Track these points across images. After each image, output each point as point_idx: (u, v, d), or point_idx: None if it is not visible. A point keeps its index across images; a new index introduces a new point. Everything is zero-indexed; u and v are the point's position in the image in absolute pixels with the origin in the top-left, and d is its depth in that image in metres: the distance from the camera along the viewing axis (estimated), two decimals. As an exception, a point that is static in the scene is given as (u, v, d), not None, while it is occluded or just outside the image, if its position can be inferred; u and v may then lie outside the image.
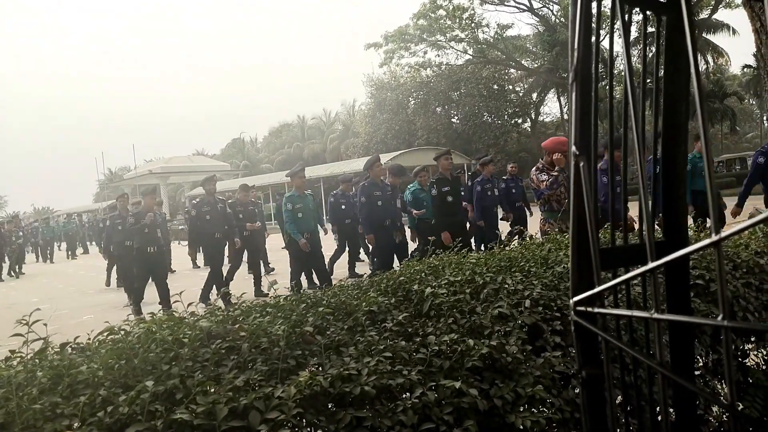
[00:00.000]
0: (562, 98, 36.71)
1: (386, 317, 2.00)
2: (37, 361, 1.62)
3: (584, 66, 0.75)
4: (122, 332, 1.75)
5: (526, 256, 2.63)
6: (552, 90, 37.53)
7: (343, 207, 9.24)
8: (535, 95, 38.89)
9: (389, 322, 1.94)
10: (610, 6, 0.75)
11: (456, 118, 37.56)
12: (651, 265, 0.60)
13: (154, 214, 8.05)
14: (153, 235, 7.91)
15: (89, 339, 1.81)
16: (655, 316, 0.60)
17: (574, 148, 0.75)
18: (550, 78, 34.85)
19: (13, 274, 17.24)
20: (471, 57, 35.50)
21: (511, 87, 38.66)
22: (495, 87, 36.33)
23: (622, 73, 0.71)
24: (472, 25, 33.04)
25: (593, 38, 0.75)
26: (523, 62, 36.86)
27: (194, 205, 8.61)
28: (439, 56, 35.71)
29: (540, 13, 34.62)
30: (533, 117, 39.83)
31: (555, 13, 34.33)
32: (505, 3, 33.08)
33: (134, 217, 7.88)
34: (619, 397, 0.90)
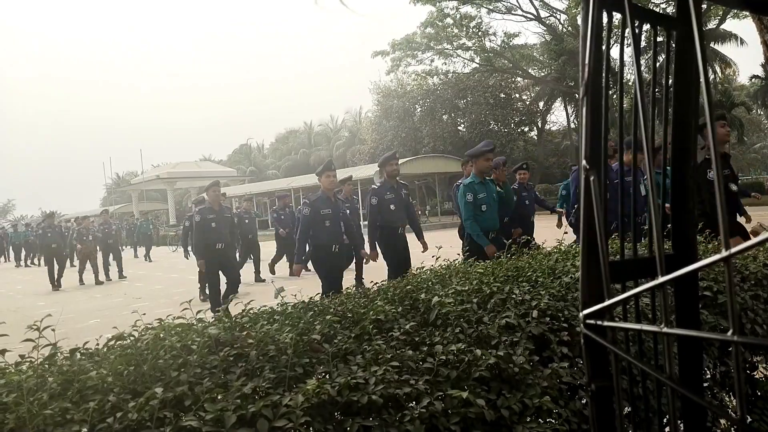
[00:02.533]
0: (569, 107, 36.69)
1: (393, 326, 2.00)
2: (47, 366, 1.63)
3: (595, 80, 0.76)
4: (131, 338, 1.76)
5: (533, 266, 2.63)
6: (559, 99, 37.51)
7: (526, 202, 7.24)
8: (541, 104, 38.89)
9: (396, 330, 1.94)
10: (620, 20, 0.76)
11: (462, 125, 37.60)
12: (661, 279, 0.60)
13: (339, 199, 6.37)
14: (336, 228, 5.92)
15: (98, 344, 1.82)
16: (665, 330, 0.61)
17: (584, 161, 0.75)
18: (556, 87, 34.86)
19: (84, 281, 14.10)
20: (478, 65, 35.56)
21: (517, 95, 38.69)
22: (502, 95, 36.38)
23: (631, 84, 0.72)
24: (479, 33, 33.10)
25: (604, 53, 0.76)
26: (530, 71, 36.88)
27: (375, 190, 6.78)
28: (446, 64, 35.82)
29: (547, 22, 34.66)
30: (540, 125, 39.81)
31: (562, 22, 34.37)
32: (513, 12, 33.14)
33: (310, 206, 5.85)
34: (628, 409, 0.90)
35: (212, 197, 7.99)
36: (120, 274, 14.76)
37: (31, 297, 12.35)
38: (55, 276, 13.53)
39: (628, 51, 0.72)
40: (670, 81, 0.83)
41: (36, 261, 23.16)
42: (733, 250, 0.47)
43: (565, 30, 34.03)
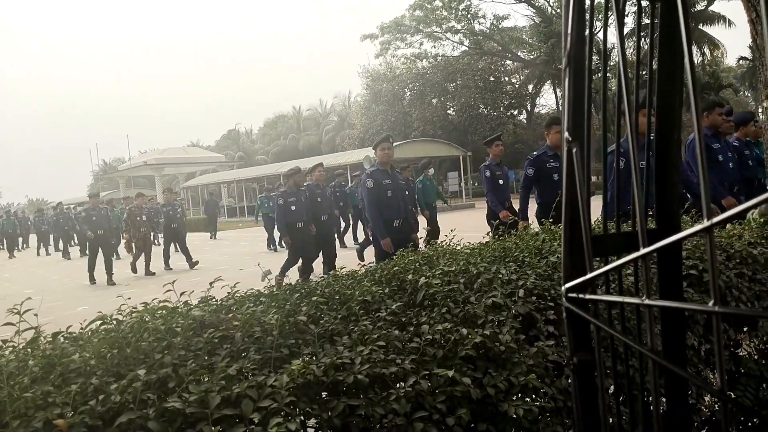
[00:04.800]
0: (558, 90, 36.66)
1: (380, 307, 2.00)
2: (29, 350, 1.61)
3: (577, 52, 0.75)
4: (114, 321, 1.75)
5: (520, 247, 2.63)
6: (548, 81, 37.51)
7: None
8: (531, 87, 38.88)
9: (383, 311, 1.94)
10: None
11: (452, 109, 37.56)
12: (642, 251, 0.60)
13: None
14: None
15: (82, 328, 1.80)
16: (646, 302, 0.60)
17: (567, 134, 0.74)
18: (546, 69, 34.81)
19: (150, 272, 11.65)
20: (467, 48, 35.42)
21: (507, 78, 38.66)
22: (491, 78, 36.32)
23: (617, 63, 0.71)
24: (468, 16, 32.92)
25: (587, 25, 0.75)
26: (519, 54, 36.79)
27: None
28: (435, 47, 35.65)
29: (536, 4, 34.53)
30: (529, 108, 39.83)
31: (551, 4, 34.24)
32: (502, -6, 32.96)
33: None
34: (612, 387, 0.90)
35: (383, 156, 5.89)
36: (189, 262, 12.08)
37: (18, 285, 12.25)
38: (95, 268, 11.18)
39: (614, 31, 0.71)
40: (655, 57, 0.82)
41: (53, 247, 21.50)
42: (714, 220, 0.46)
43: (554, 12, 33.90)
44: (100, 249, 11.25)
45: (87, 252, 11.90)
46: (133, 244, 11.61)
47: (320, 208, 8.30)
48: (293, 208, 7.95)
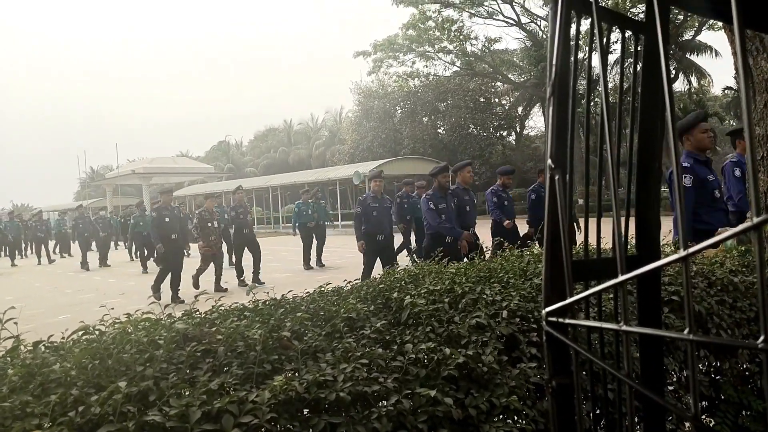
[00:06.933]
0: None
1: (365, 324, 2.00)
2: (8, 359, 1.59)
3: (562, 80, 0.77)
4: (97, 332, 1.73)
5: (505, 268, 2.65)
6: (537, 104, 37.93)
7: None
8: (520, 109, 39.29)
9: (367, 329, 1.94)
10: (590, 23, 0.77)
11: (442, 128, 37.79)
12: (621, 278, 0.61)
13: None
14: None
15: (63, 338, 1.79)
16: (624, 328, 0.62)
17: (550, 161, 0.76)
18: (535, 92, 35.20)
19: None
20: (458, 69, 35.74)
21: (497, 100, 39.05)
22: (481, 99, 36.66)
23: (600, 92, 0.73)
24: (461, 37, 33.26)
25: (572, 54, 0.77)
26: (509, 76, 37.19)
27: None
28: (427, 67, 35.92)
29: (528, 28, 35.01)
30: (518, 130, 40.18)
31: (542, 28, 34.73)
32: (494, 17, 33.38)
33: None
34: (595, 410, 0.91)
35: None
36: (255, 277, 10.02)
37: (1, 292, 12.07)
38: (180, 280, 9.04)
39: (600, 57, 0.73)
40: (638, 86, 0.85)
41: (62, 253, 20.41)
42: (691, 250, 0.48)
43: (544, 36, 34.36)
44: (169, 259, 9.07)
45: (160, 263, 9.74)
46: (201, 253, 9.70)
47: (468, 218, 6.63)
48: (443, 216, 6.21)
